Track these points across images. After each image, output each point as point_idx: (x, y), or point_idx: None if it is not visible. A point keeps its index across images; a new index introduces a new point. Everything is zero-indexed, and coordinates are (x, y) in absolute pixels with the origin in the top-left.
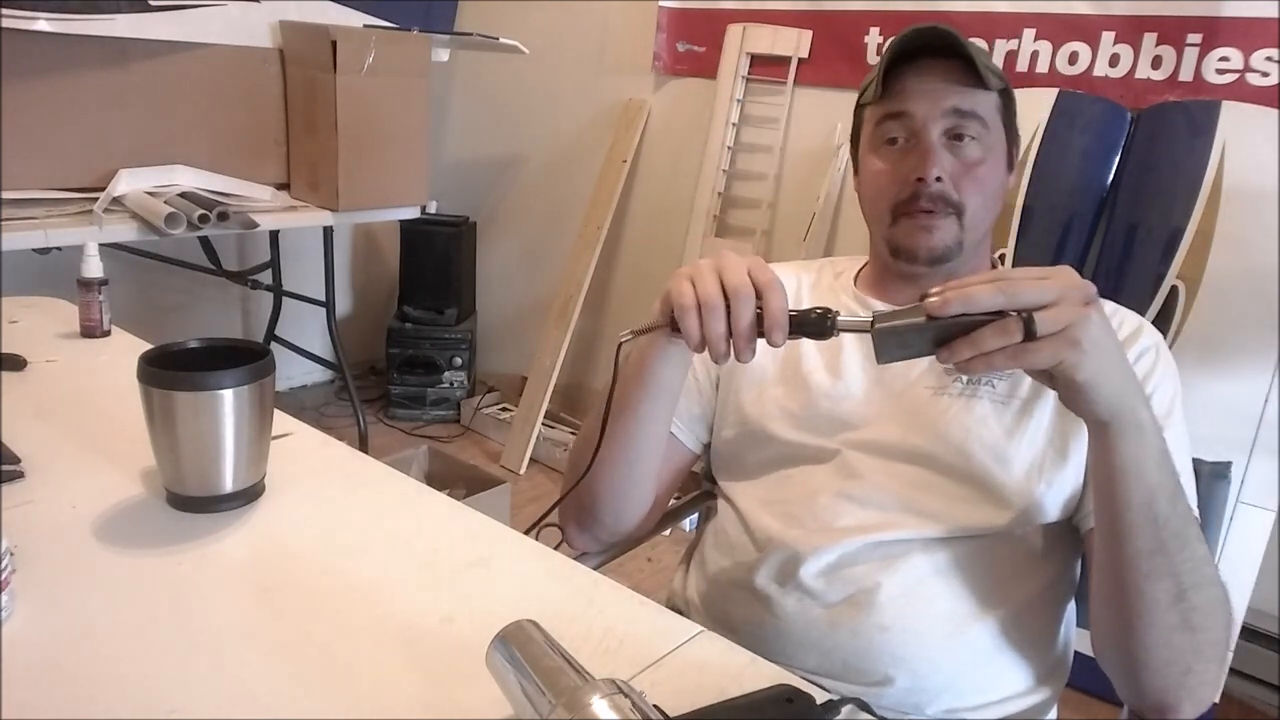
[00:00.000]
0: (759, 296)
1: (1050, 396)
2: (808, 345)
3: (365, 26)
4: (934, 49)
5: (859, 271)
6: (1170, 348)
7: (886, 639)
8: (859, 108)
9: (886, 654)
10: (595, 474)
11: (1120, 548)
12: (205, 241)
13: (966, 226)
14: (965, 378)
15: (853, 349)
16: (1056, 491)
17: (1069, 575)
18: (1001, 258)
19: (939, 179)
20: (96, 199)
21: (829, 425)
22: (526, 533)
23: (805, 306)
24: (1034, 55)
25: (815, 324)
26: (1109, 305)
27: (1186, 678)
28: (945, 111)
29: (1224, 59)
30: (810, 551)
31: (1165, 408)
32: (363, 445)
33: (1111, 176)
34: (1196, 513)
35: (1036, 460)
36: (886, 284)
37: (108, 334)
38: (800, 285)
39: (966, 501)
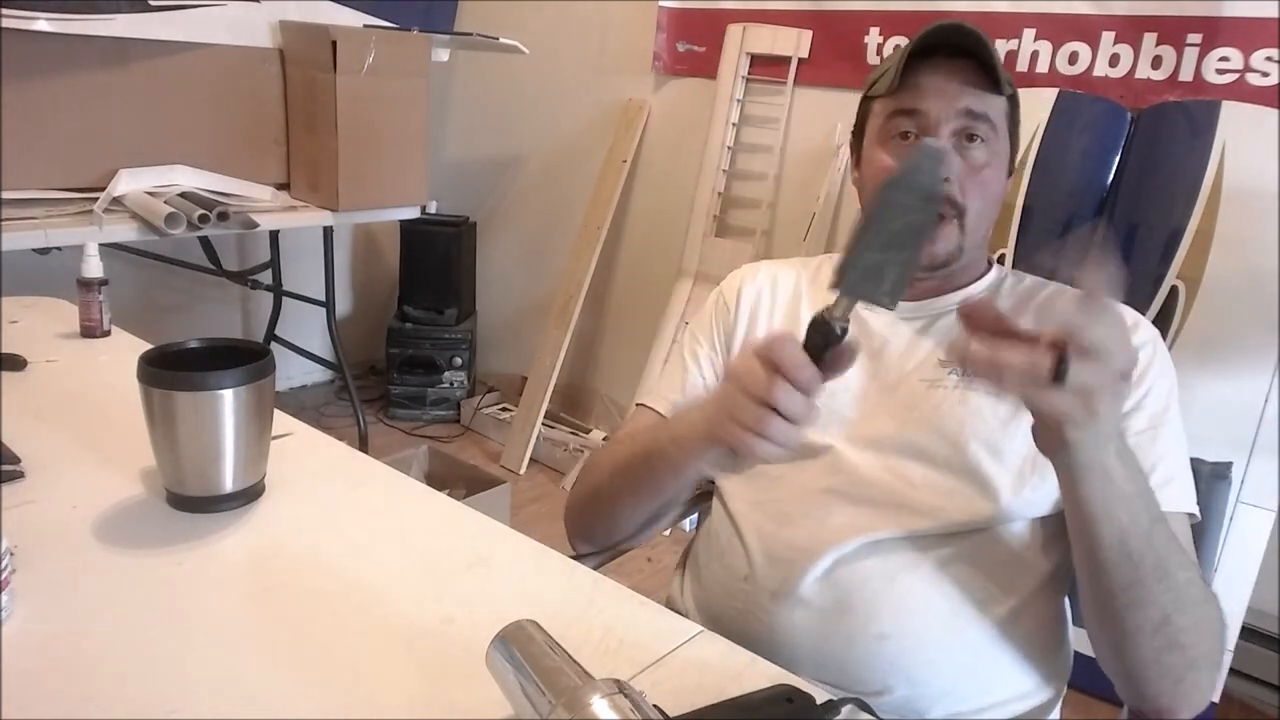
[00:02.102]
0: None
1: None
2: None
3: (365, 26)
4: (951, 47)
5: None
6: (1170, 348)
7: (884, 648)
8: (866, 99)
9: (885, 663)
10: (618, 513)
11: (1097, 581)
12: (205, 241)
13: (967, 230)
14: (960, 370)
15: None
16: (1050, 485)
17: (1064, 569)
18: (1001, 258)
19: (946, 180)
20: (96, 199)
21: (823, 419)
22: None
23: (806, 302)
24: (1034, 55)
25: (822, 335)
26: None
27: (1180, 686)
28: (958, 112)
29: (1224, 59)
30: (804, 557)
31: (1162, 403)
32: (363, 445)
33: (1111, 176)
34: (1196, 510)
35: (1030, 454)
36: None
37: (108, 334)
38: (799, 280)
39: (959, 495)
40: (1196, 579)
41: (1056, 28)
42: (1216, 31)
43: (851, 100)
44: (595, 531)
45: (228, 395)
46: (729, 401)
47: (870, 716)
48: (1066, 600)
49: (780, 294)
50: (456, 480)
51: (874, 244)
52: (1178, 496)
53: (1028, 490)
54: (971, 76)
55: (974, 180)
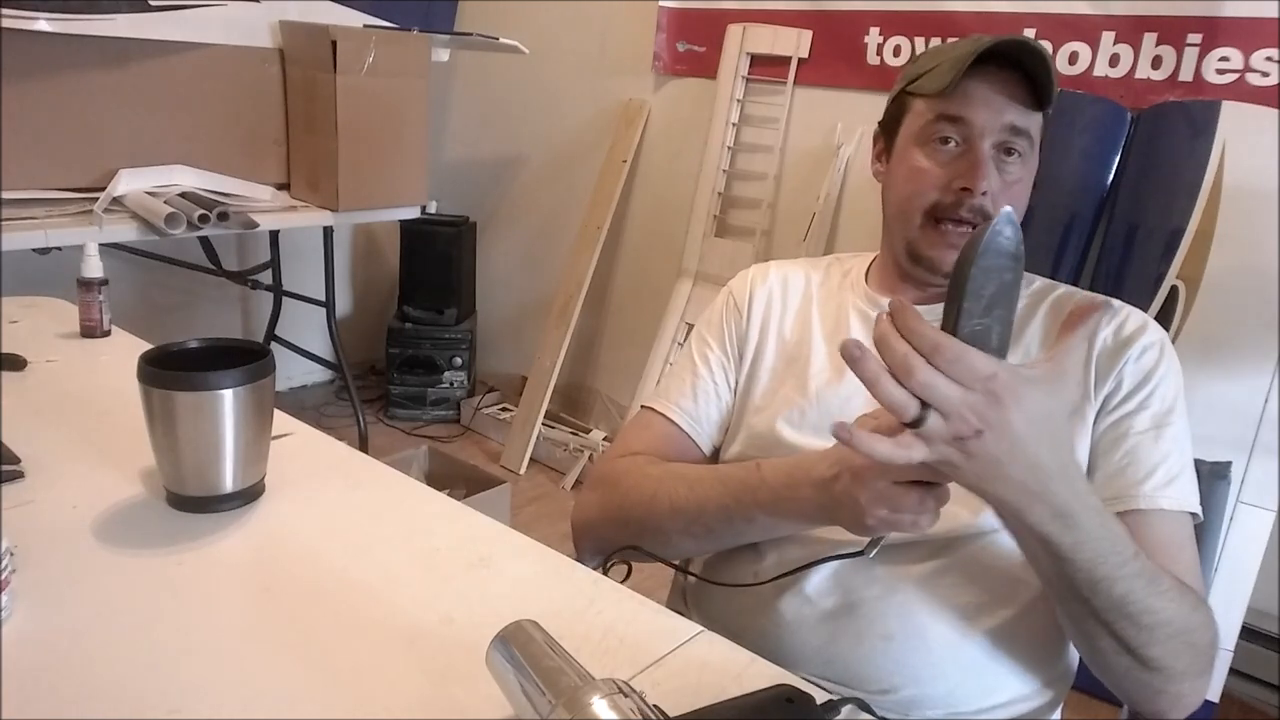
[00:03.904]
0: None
1: None
2: (816, 344)
3: (365, 26)
4: (1002, 58)
5: (869, 268)
6: None
7: (890, 648)
8: (904, 94)
9: (890, 663)
10: (676, 547)
11: (1057, 606)
12: (205, 241)
13: None
14: None
15: None
16: None
17: None
18: None
19: (983, 193)
20: (96, 199)
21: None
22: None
23: (816, 306)
24: None
25: None
26: (1113, 303)
27: (1162, 696)
28: (1003, 126)
29: (1224, 59)
30: (812, 557)
31: (1166, 404)
32: (363, 445)
33: (1111, 176)
34: (1199, 510)
35: None
36: (897, 284)
37: (108, 334)
38: (809, 283)
39: (967, 499)
40: (1169, 620)
41: (1056, 28)
42: (1216, 31)
43: (852, 100)
44: (623, 544)
45: (228, 395)
46: (877, 495)
47: (870, 717)
48: None
49: (791, 297)
50: (456, 480)
51: (974, 312)
52: (1180, 496)
53: None
54: (1018, 91)
55: (1007, 195)
